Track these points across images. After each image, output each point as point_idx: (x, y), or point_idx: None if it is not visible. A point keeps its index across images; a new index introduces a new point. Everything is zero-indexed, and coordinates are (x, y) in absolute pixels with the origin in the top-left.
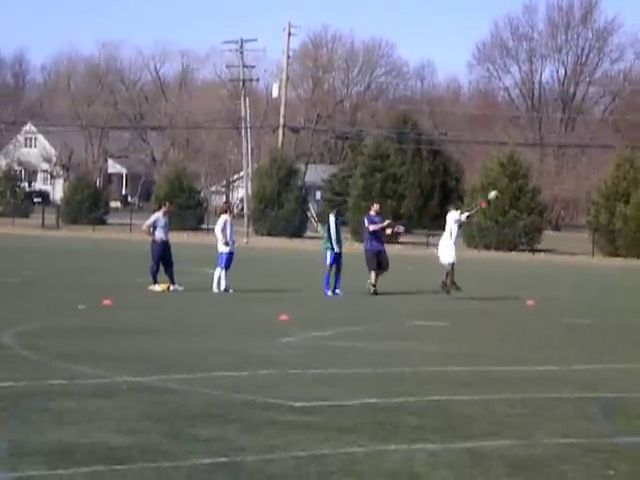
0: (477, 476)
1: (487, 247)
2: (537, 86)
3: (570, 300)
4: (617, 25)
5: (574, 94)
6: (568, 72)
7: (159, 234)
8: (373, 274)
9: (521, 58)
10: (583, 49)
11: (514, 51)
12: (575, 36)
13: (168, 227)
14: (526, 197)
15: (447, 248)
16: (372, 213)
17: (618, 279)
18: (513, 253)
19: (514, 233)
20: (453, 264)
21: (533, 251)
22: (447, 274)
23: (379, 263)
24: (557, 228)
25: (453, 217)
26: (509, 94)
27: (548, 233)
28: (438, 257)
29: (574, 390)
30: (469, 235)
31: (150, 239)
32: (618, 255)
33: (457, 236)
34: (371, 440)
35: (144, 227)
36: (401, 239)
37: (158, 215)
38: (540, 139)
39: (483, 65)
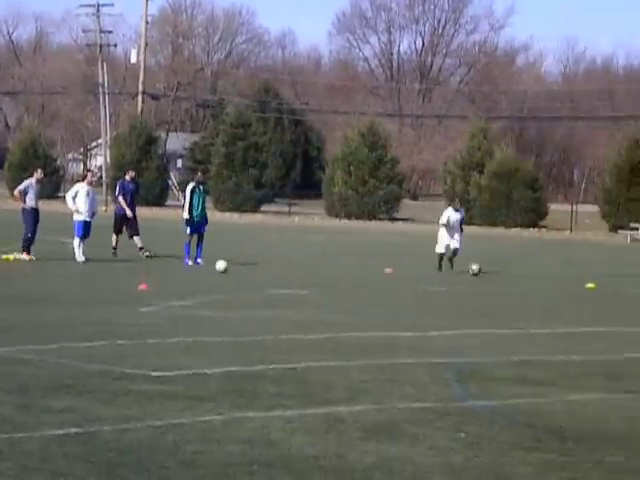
0: (331, 440)
1: (348, 216)
2: (396, 57)
3: (426, 268)
4: None
5: (431, 65)
6: (425, 43)
7: (30, 201)
8: (114, 237)
9: (380, 29)
10: (439, 20)
11: (373, 21)
12: (432, 7)
13: (39, 195)
14: (385, 167)
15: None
16: (127, 179)
17: (472, 247)
18: (373, 222)
19: (374, 202)
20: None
21: (392, 220)
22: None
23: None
24: (415, 197)
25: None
26: (369, 64)
27: (407, 202)
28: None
29: (429, 356)
30: (330, 204)
31: (20, 206)
32: (473, 224)
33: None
34: (230, 408)
35: (15, 192)
36: (263, 208)
37: (31, 181)
38: (399, 109)
39: (343, 35)
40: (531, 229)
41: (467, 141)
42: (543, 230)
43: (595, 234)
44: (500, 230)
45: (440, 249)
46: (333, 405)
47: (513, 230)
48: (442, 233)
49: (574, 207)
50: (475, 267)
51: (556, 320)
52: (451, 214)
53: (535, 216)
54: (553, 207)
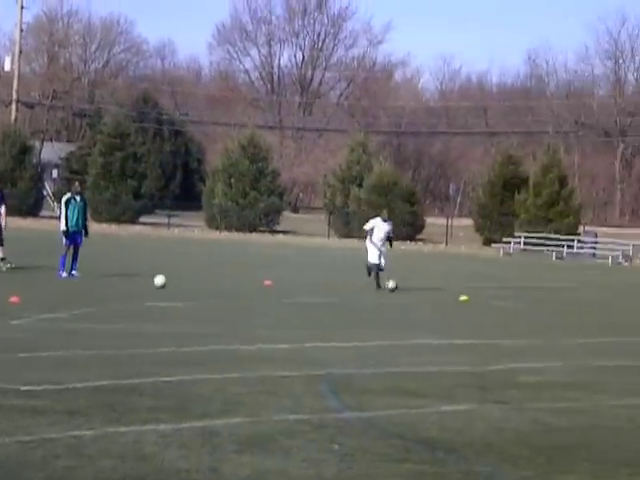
0: (205, 454)
1: (228, 228)
2: (276, 70)
3: (305, 280)
4: (350, 12)
5: (311, 78)
6: (305, 57)
7: None
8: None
9: (260, 41)
10: (319, 34)
11: (253, 34)
12: (311, 21)
13: None
14: (266, 179)
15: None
16: None
17: (352, 259)
18: (254, 234)
19: (254, 214)
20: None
21: (273, 232)
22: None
23: None
24: (296, 210)
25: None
26: (249, 77)
27: (287, 215)
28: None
29: (305, 368)
30: (210, 216)
31: None
32: (352, 236)
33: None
34: (102, 423)
35: None
36: (142, 219)
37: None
38: (280, 122)
39: (223, 47)
40: (408, 242)
41: (346, 154)
42: (420, 243)
43: (469, 247)
44: None
45: (373, 259)
46: (208, 418)
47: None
48: (370, 244)
49: (450, 221)
50: (392, 284)
51: (430, 332)
52: (378, 224)
53: (412, 229)
54: (430, 220)
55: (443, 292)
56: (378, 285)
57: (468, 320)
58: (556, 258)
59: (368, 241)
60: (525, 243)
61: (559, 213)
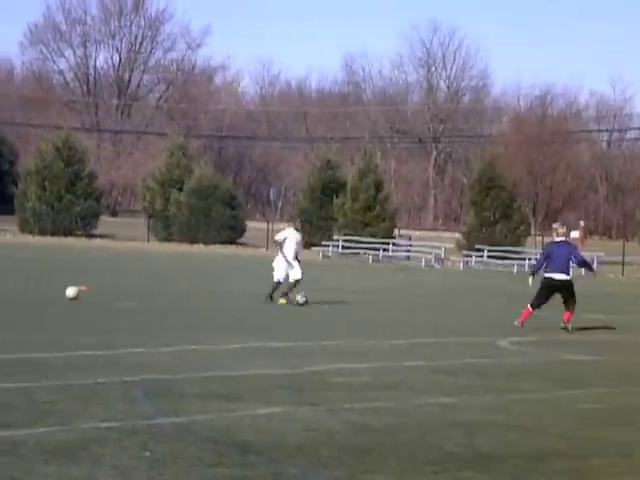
0: (10, 464)
1: (43, 232)
2: (92, 71)
3: (122, 285)
4: (168, 15)
5: (129, 81)
6: (122, 59)
7: None
8: None
9: (75, 42)
10: (136, 37)
11: (68, 35)
12: (128, 23)
13: None
14: (82, 182)
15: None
16: None
17: (172, 263)
18: (69, 238)
19: (70, 218)
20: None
21: (90, 236)
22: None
23: None
24: (115, 214)
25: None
26: (64, 78)
27: (105, 219)
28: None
29: (119, 374)
30: (23, 220)
31: None
32: (172, 240)
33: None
34: None
35: None
36: None
37: None
38: (97, 124)
39: (36, 47)
40: (229, 246)
41: (166, 158)
42: (241, 247)
43: None
44: (199, 247)
45: (279, 276)
46: (15, 428)
47: (212, 247)
48: (279, 258)
49: (271, 225)
50: (301, 298)
51: (247, 335)
52: (291, 234)
53: (233, 233)
54: (251, 225)
55: (262, 295)
56: (271, 297)
57: (285, 323)
58: (373, 261)
59: (279, 255)
60: (343, 247)
61: (375, 217)
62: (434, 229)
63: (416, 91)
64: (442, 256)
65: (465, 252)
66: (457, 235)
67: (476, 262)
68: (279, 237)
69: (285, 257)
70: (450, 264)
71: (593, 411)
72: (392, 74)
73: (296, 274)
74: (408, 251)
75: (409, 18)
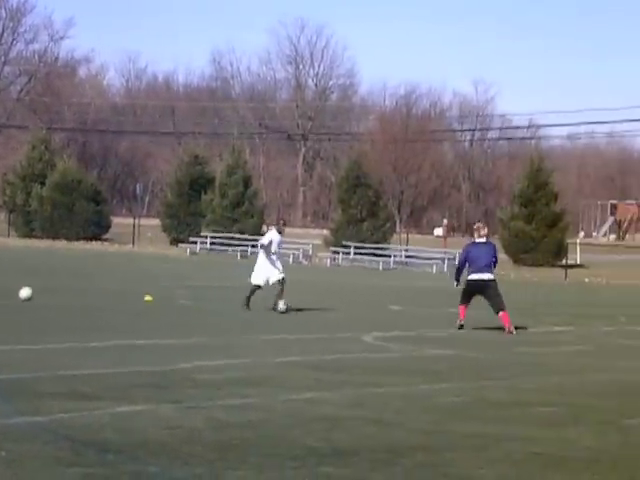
0: None
1: None
2: None
3: None
4: (30, 6)
5: None
6: None
7: None
8: None
9: None
10: None
11: None
12: None
13: None
14: None
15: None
16: None
17: (34, 260)
18: None
19: None
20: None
21: None
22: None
23: None
24: None
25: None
26: None
27: None
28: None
29: None
30: None
31: None
32: (34, 236)
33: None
34: None
35: None
36: None
37: None
38: None
39: None
40: (94, 242)
41: (28, 152)
42: (106, 243)
43: (157, 247)
44: (62, 243)
45: (258, 280)
46: None
47: (76, 243)
48: (261, 260)
49: (137, 220)
50: (282, 306)
51: (112, 333)
52: (274, 237)
53: (98, 229)
54: (117, 220)
55: (128, 293)
56: (247, 302)
57: (152, 320)
58: (241, 257)
59: (263, 257)
60: (212, 243)
61: (244, 213)
62: (303, 226)
63: (284, 88)
64: (310, 253)
65: (332, 249)
66: (325, 232)
67: (343, 259)
68: (264, 241)
69: (271, 261)
70: (318, 261)
71: (451, 405)
72: (260, 70)
73: (279, 274)
74: None
75: (277, 14)
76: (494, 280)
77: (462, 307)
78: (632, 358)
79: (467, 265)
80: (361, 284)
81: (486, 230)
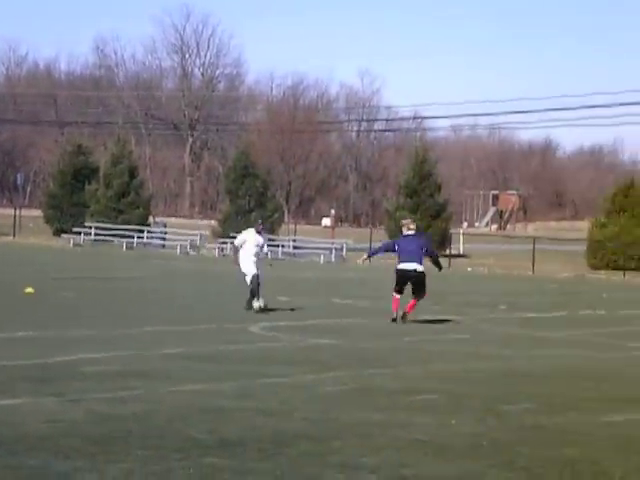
0: None
1: None
2: None
3: None
4: None
5: None
6: None
7: None
8: None
9: None
10: None
11: None
12: None
13: None
14: None
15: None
16: None
17: None
18: None
19: None
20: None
21: None
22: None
23: None
24: None
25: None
26: None
27: None
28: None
29: None
30: None
31: None
32: None
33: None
34: None
35: None
36: None
37: None
38: None
39: None
40: None
41: None
42: None
43: (39, 238)
44: None
45: (251, 270)
46: None
47: None
48: (244, 259)
49: (18, 211)
50: (258, 304)
51: None
52: (250, 237)
53: None
54: None
55: (7, 284)
56: (252, 300)
57: (33, 312)
58: (127, 248)
59: (241, 258)
60: (96, 234)
61: (130, 204)
62: (190, 216)
63: (170, 77)
64: (197, 243)
65: (221, 239)
66: (213, 223)
67: (231, 249)
68: (237, 242)
69: (249, 261)
70: (206, 251)
71: (338, 394)
72: (146, 59)
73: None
74: (163, 238)
75: (162, 2)
76: (422, 272)
77: (396, 298)
78: (511, 346)
79: (397, 255)
80: None
81: (415, 225)
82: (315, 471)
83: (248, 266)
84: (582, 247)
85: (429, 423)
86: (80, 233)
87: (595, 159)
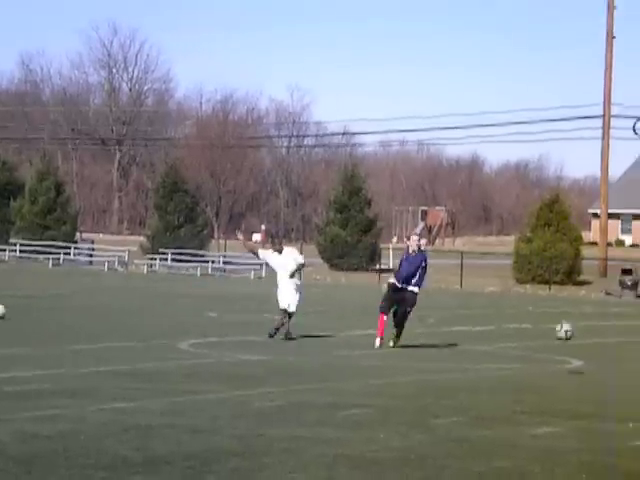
0: None
1: None
2: None
3: None
4: None
5: None
6: None
7: None
8: None
9: None
10: None
11: None
12: None
13: None
14: None
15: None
16: None
17: None
18: None
19: None
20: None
21: None
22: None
23: None
24: None
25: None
26: None
27: None
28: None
29: None
30: None
31: None
32: None
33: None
34: None
35: None
36: None
37: None
38: None
39: None
40: None
41: None
42: None
43: None
44: None
45: (284, 304)
46: None
47: None
48: (282, 283)
49: None
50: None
51: None
52: (269, 257)
53: None
54: None
55: None
56: (287, 335)
57: None
58: (53, 265)
59: (282, 280)
60: (21, 251)
61: (56, 220)
62: (119, 232)
63: (98, 92)
64: (126, 260)
65: (149, 255)
66: (142, 238)
67: (160, 265)
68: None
69: (292, 287)
70: (134, 267)
71: (266, 409)
72: (72, 74)
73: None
74: (91, 255)
75: (88, 17)
76: (412, 292)
77: (382, 317)
78: (439, 359)
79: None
80: (178, 291)
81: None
82: None
83: (279, 295)
84: (509, 261)
85: (358, 438)
86: (5, 250)
87: (521, 175)
